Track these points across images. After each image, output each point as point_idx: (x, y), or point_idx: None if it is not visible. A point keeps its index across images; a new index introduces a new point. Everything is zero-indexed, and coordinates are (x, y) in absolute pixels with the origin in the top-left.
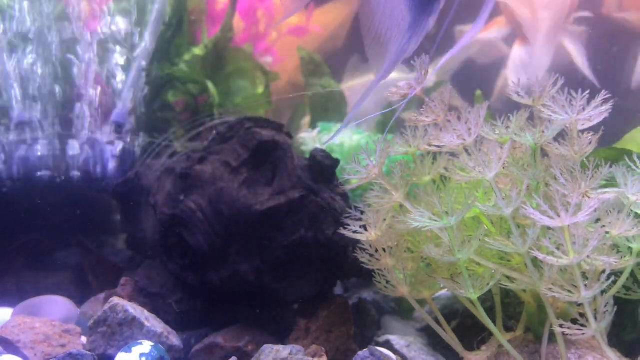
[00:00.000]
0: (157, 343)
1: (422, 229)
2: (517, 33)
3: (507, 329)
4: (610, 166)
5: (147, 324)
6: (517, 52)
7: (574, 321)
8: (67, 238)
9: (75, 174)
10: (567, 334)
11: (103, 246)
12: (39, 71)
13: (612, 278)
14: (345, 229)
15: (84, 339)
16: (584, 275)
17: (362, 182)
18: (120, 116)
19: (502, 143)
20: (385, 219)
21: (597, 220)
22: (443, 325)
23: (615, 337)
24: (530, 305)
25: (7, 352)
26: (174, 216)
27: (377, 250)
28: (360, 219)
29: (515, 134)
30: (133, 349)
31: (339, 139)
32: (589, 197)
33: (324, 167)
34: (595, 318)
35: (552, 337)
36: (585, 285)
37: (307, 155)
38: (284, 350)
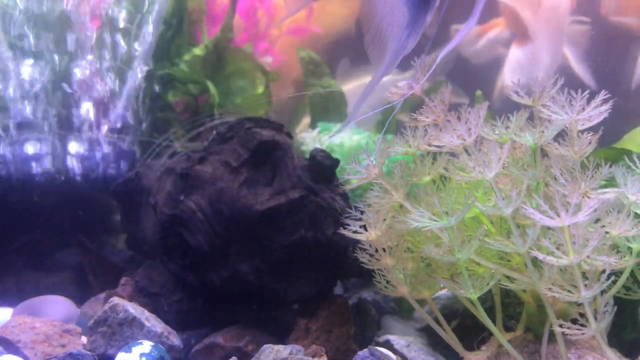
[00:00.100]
0: (157, 343)
1: (422, 229)
2: (515, 34)
3: (507, 328)
4: (610, 166)
5: (147, 324)
6: (515, 53)
7: (574, 321)
8: (67, 238)
9: (75, 173)
10: (567, 334)
11: (103, 246)
12: (39, 70)
13: (612, 278)
14: (345, 228)
15: (84, 339)
16: (584, 275)
17: (362, 182)
18: (120, 116)
19: (501, 143)
20: (385, 219)
21: (597, 220)
22: (443, 325)
23: (615, 337)
24: (530, 305)
25: (7, 352)
26: (174, 216)
27: (377, 250)
28: (360, 219)
29: (515, 134)
30: (133, 348)
31: (339, 138)
32: (589, 197)
33: (324, 167)
34: (595, 318)
35: (552, 337)
36: (585, 285)
37: (307, 155)
38: (284, 350)
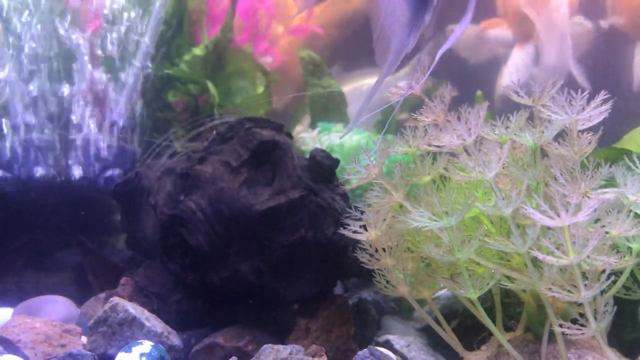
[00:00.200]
0: (157, 343)
1: (422, 228)
2: (518, 36)
3: (507, 328)
4: (610, 166)
5: (147, 323)
6: (518, 54)
7: (574, 321)
8: (67, 238)
9: (75, 173)
10: (566, 334)
11: (103, 246)
12: (39, 70)
13: (612, 278)
14: (345, 228)
15: (84, 339)
16: (584, 275)
17: (362, 182)
18: (120, 116)
19: (501, 143)
20: (385, 219)
21: (597, 220)
22: (443, 325)
23: (615, 337)
24: (530, 305)
25: (7, 352)
26: (174, 216)
27: (377, 250)
28: (360, 219)
29: (515, 134)
30: (133, 348)
31: (339, 139)
32: (589, 197)
33: (324, 167)
34: (595, 318)
35: (551, 336)
36: (585, 285)
37: (307, 155)
38: (284, 350)
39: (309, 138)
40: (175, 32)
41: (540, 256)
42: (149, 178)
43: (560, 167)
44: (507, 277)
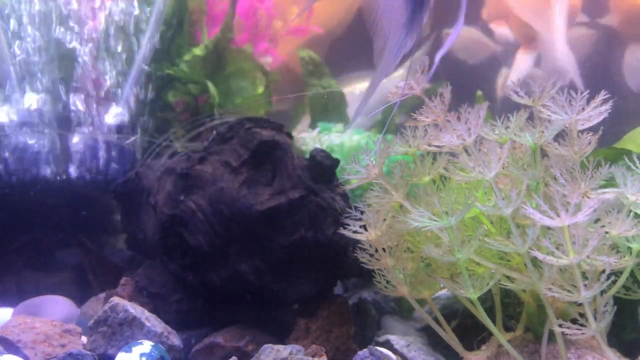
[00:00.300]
0: (157, 343)
1: (422, 228)
2: (521, 41)
3: (507, 328)
4: (610, 166)
5: (147, 323)
6: (522, 59)
7: (574, 321)
8: (67, 238)
9: (75, 173)
10: (566, 334)
11: (103, 246)
12: (39, 70)
13: (612, 278)
14: (345, 228)
15: (84, 339)
16: (584, 275)
17: (362, 182)
18: (120, 115)
19: (501, 143)
20: (385, 219)
21: (597, 220)
22: (443, 325)
23: (615, 337)
24: (530, 305)
25: (7, 352)
26: (174, 216)
27: (377, 250)
28: (360, 219)
29: (515, 134)
30: (133, 348)
31: (339, 138)
32: (589, 197)
33: (324, 167)
34: (595, 318)
35: (551, 336)
36: (585, 285)
37: (307, 155)
38: (284, 350)
39: (309, 138)
40: (175, 32)
41: (540, 256)
42: (149, 178)
43: (560, 167)
44: (507, 277)
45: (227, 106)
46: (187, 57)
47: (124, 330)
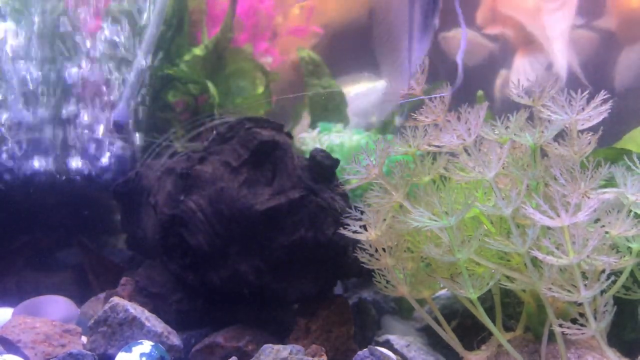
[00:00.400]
0: (157, 343)
1: (422, 228)
2: (518, 44)
3: (507, 328)
4: (610, 166)
5: (147, 323)
6: (520, 62)
7: (574, 321)
8: (67, 238)
9: (76, 173)
10: (566, 334)
11: (103, 246)
12: (39, 69)
13: (612, 278)
14: (345, 228)
15: (84, 339)
16: (584, 275)
17: (362, 182)
18: (120, 115)
19: (501, 143)
20: (385, 219)
21: (597, 220)
22: (443, 325)
23: (615, 337)
24: (530, 305)
25: (7, 352)
26: (174, 216)
27: (377, 250)
28: (360, 219)
29: (515, 134)
30: (133, 348)
31: (339, 138)
32: (589, 197)
33: (324, 167)
34: (595, 318)
35: (551, 336)
36: (585, 285)
37: (307, 155)
38: (284, 350)
39: (309, 138)
40: (175, 32)
41: (540, 256)
42: (149, 178)
43: (560, 167)
44: (507, 277)
45: (227, 106)
46: (187, 57)
47: (124, 330)
